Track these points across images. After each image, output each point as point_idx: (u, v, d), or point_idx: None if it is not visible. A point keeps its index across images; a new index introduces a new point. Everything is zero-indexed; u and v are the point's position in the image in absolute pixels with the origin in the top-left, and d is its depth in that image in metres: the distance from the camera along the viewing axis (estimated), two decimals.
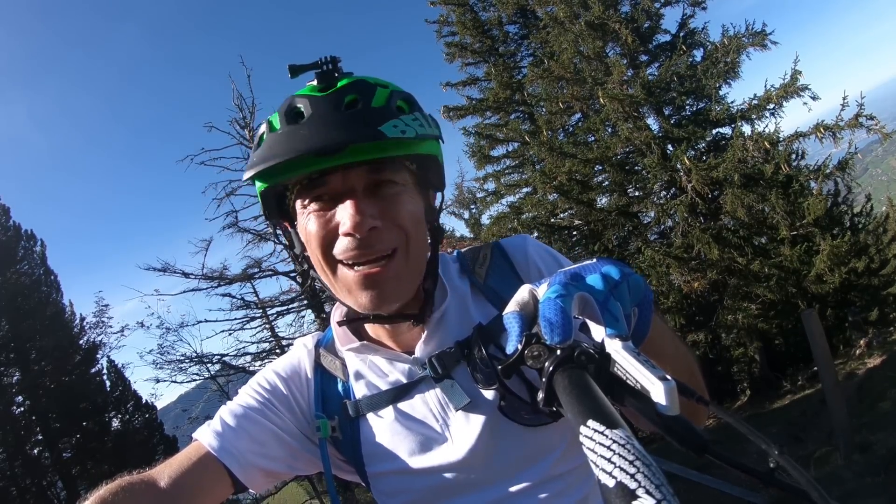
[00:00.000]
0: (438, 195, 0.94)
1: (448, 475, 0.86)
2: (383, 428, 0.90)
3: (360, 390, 0.93)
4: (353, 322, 0.94)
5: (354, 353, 0.94)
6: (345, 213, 0.79)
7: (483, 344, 0.67)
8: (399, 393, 0.90)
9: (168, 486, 0.81)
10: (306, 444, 0.93)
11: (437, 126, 0.88)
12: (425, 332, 0.90)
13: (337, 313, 0.99)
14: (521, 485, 0.85)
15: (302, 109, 0.80)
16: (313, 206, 0.83)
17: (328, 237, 0.82)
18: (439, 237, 0.93)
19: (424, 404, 0.89)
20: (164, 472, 0.84)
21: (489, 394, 0.83)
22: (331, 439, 0.92)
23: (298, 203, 0.84)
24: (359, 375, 0.94)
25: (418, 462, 0.87)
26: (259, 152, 0.80)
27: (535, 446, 0.85)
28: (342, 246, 0.81)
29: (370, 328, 0.95)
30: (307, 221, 0.83)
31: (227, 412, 0.92)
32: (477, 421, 0.85)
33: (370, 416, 0.91)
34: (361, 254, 0.80)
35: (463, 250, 1.03)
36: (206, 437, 0.88)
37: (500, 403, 0.75)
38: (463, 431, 0.86)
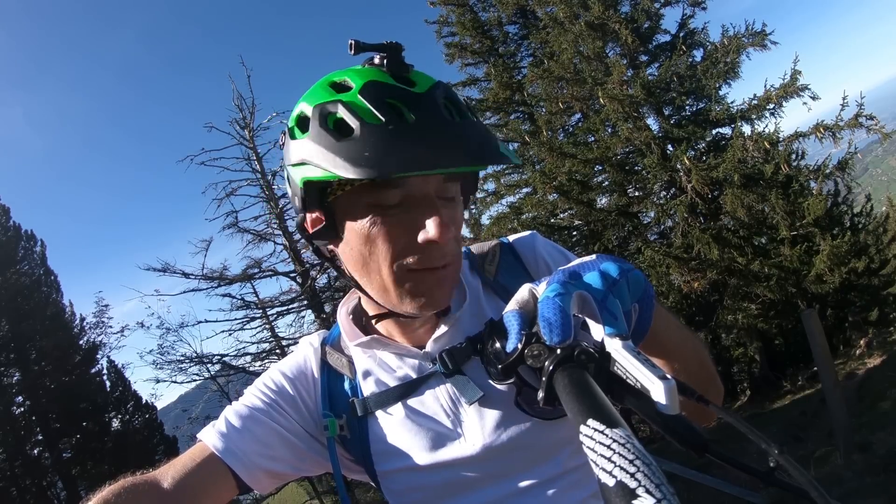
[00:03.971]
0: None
1: (461, 471, 0.85)
2: (393, 425, 0.89)
3: (368, 387, 0.92)
4: (383, 317, 0.91)
5: (362, 349, 0.93)
6: (430, 221, 0.76)
7: (497, 339, 0.67)
8: (408, 389, 0.89)
9: (171, 488, 0.81)
10: (313, 444, 0.92)
11: None
12: (439, 329, 0.89)
13: (343, 309, 0.98)
14: (536, 479, 0.85)
15: (399, 106, 0.72)
16: (379, 206, 0.78)
17: (397, 241, 0.78)
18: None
19: (435, 400, 0.88)
20: (167, 472, 0.83)
21: (502, 389, 0.81)
22: (339, 438, 0.91)
23: (358, 199, 0.79)
24: (367, 372, 0.93)
25: (430, 458, 0.86)
26: (376, 146, 0.69)
27: (551, 440, 0.84)
28: (419, 253, 0.78)
29: (381, 324, 0.94)
30: (368, 222, 0.78)
31: (231, 413, 0.91)
32: (490, 416, 0.84)
33: (379, 414, 0.90)
34: (437, 262, 0.79)
35: (471, 247, 1.02)
36: (210, 438, 0.87)
37: (516, 397, 0.74)
38: (476, 427, 0.85)
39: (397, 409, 0.89)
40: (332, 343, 0.99)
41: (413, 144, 0.69)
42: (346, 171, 0.68)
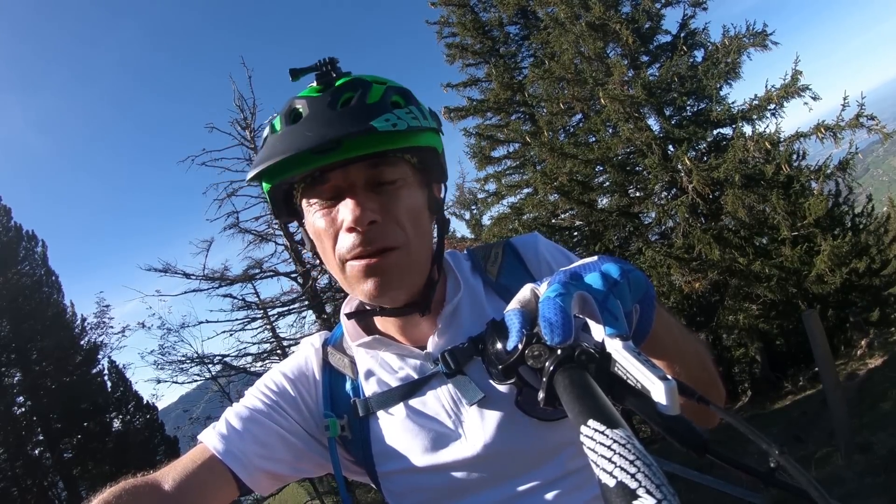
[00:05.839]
0: (444, 186, 0.94)
1: (462, 473, 0.85)
2: (394, 426, 0.89)
3: (370, 388, 0.92)
4: (361, 315, 0.94)
5: (365, 349, 0.94)
6: (346, 209, 0.80)
7: (498, 339, 0.67)
8: (410, 389, 0.89)
9: (172, 489, 0.81)
10: (314, 445, 0.92)
11: (435, 119, 0.88)
12: (438, 327, 0.89)
13: (347, 307, 0.98)
14: (537, 481, 0.84)
15: (300, 110, 0.81)
16: (318, 203, 0.84)
17: (335, 234, 0.83)
18: (445, 228, 0.93)
19: (437, 400, 0.87)
20: (168, 474, 0.83)
21: (503, 389, 0.82)
22: (340, 439, 0.91)
23: (304, 201, 0.86)
24: (369, 373, 0.93)
25: (431, 460, 0.86)
26: (261, 153, 0.80)
27: (551, 442, 0.84)
28: (346, 242, 0.82)
29: (379, 323, 0.95)
30: (314, 219, 0.85)
31: (232, 414, 0.91)
32: (491, 417, 0.84)
33: (381, 414, 0.90)
34: (364, 250, 0.81)
35: (473, 247, 1.02)
36: (210, 439, 0.87)
37: (517, 398, 0.74)
38: (477, 428, 0.84)
39: (399, 409, 0.89)
40: (335, 343, 0.99)
41: (282, 140, 0.78)
42: (248, 174, 0.81)
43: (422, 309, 0.88)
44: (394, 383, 0.90)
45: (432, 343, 0.89)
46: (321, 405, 0.94)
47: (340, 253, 0.83)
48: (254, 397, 0.93)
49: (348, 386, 0.94)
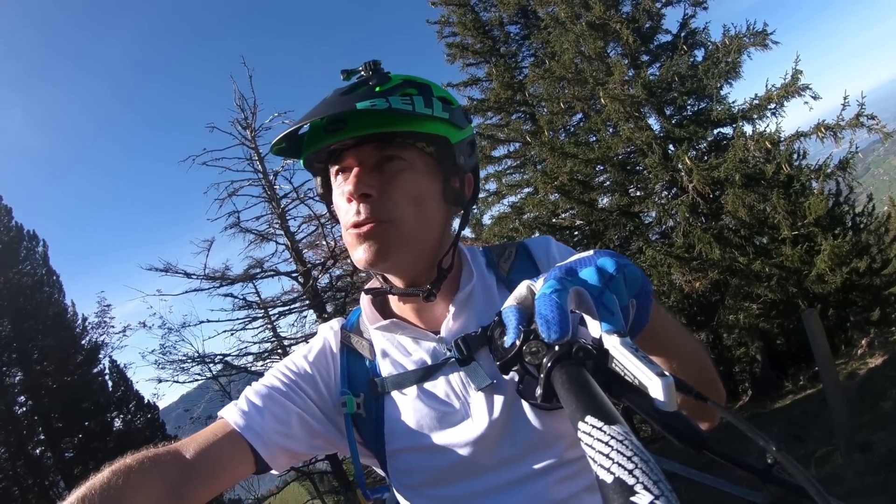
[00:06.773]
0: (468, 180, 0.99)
1: (464, 453, 0.88)
2: (406, 406, 0.92)
3: (385, 368, 0.96)
4: (376, 292, 0.99)
5: (382, 332, 0.98)
6: (347, 181, 0.88)
7: (503, 331, 0.68)
8: (425, 374, 0.92)
9: (193, 458, 0.83)
10: (328, 426, 0.96)
11: (458, 115, 0.93)
12: (451, 312, 0.93)
13: (368, 285, 1.03)
14: (534, 467, 0.87)
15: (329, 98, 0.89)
16: (337, 179, 0.92)
17: (344, 204, 0.90)
18: (465, 221, 1.01)
19: (447, 384, 0.91)
20: (189, 445, 0.86)
21: (509, 377, 0.84)
22: (353, 417, 0.94)
23: (333, 179, 0.94)
24: (385, 354, 0.97)
25: (437, 439, 0.89)
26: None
27: (550, 430, 0.86)
28: (346, 212, 0.89)
29: (395, 306, 0.99)
30: (336, 193, 0.93)
31: (252, 392, 0.94)
32: (497, 401, 0.87)
33: (395, 394, 0.93)
34: (357, 220, 0.87)
35: (489, 245, 1.07)
36: (231, 415, 0.90)
37: (518, 385, 0.75)
38: (482, 410, 0.88)
39: (412, 391, 0.92)
40: (352, 327, 1.03)
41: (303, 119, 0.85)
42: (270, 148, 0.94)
43: (428, 294, 0.93)
44: (409, 366, 0.94)
45: (446, 328, 0.93)
46: (338, 384, 0.97)
47: (344, 222, 0.90)
48: (273, 377, 0.97)
49: (366, 365, 0.98)
